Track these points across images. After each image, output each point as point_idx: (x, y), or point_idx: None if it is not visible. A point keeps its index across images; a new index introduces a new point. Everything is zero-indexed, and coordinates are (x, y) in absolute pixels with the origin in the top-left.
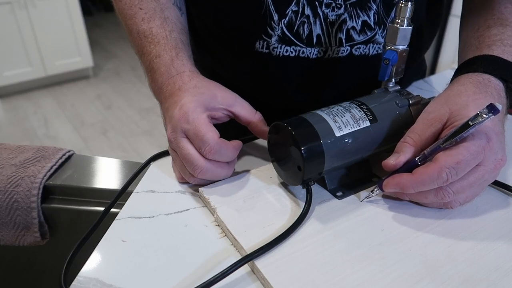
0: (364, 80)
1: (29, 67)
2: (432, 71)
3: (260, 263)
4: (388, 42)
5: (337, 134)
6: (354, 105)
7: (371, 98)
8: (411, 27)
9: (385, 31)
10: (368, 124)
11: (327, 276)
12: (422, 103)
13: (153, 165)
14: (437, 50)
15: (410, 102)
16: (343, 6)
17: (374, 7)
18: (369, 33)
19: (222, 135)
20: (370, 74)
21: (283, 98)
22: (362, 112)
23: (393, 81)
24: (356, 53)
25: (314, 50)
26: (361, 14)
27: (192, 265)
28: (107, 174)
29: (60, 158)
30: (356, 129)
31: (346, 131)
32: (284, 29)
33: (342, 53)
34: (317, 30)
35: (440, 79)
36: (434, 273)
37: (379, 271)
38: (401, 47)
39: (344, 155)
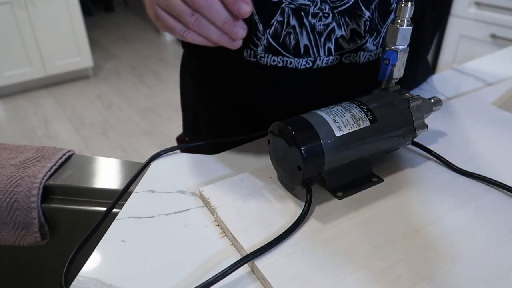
0: (356, 88)
1: (29, 67)
2: (432, 71)
3: (260, 263)
4: (388, 42)
5: (337, 134)
6: (354, 105)
7: (371, 98)
8: (411, 27)
9: (377, 38)
10: (368, 124)
11: (327, 276)
12: (422, 103)
13: (153, 165)
14: (437, 50)
15: (410, 102)
16: (331, 15)
17: (367, 14)
18: (359, 41)
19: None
20: (361, 82)
21: (273, 107)
22: (362, 112)
23: (393, 81)
24: (346, 61)
25: (302, 61)
26: (350, 23)
27: (192, 265)
28: (107, 174)
29: (60, 158)
30: (356, 129)
31: (346, 131)
32: (270, 39)
33: (331, 62)
34: (304, 40)
35: (440, 79)
36: (434, 273)
37: (379, 271)
38: (401, 47)
39: (344, 155)
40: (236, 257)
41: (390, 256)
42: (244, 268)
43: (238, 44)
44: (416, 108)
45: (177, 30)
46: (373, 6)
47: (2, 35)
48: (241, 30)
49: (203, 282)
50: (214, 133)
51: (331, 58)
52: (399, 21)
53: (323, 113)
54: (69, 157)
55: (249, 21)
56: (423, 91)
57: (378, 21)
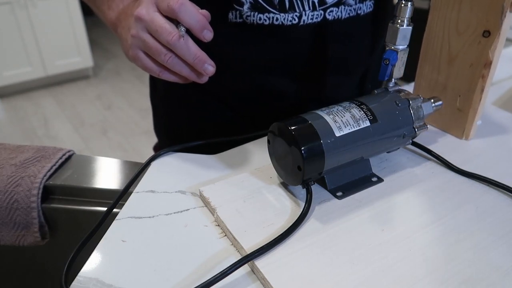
0: (341, 50)
1: (29, 67)
2: None
3: (260, 263)
4: (388, 42)
5: (337, 134)
6: (354, 105)
7: (371, 98)
8: (411, 27)
9: None
10: (368, 124)
11: (327, 276)
12: (422, 103)
13: (153, 165)
14: None
15: (410, 102)
16: None
17: None
18: None
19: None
20: (343, 42)
21: (257, 77)
22: (362, 112)
23: (393, 81)
24: (330, 17)
25: (288, 16)
26: None
27: (192, 265)
28: (107, 174)
29: (60, 158)
30: (356, 129)
31: (346, 131)
32: None
33: (316, 18)
34: None
35: None
36: (434, 273)
37: (379, 271)
38: (401, 47)
39: (344, 155)
40: (236, 257)
41: (390, 256)
42: (244, 268)
43: (205, 79)
44: (416, 108)
45: (154, 70)
46: None
47: (2, 35)
48: (210, 67)
49: (203, 282)
50: (219, 131)
51: (315, 13)
52: (399, 21)
53: (323, 113)
54: (69, 157)
55: None
56: None
57: None
